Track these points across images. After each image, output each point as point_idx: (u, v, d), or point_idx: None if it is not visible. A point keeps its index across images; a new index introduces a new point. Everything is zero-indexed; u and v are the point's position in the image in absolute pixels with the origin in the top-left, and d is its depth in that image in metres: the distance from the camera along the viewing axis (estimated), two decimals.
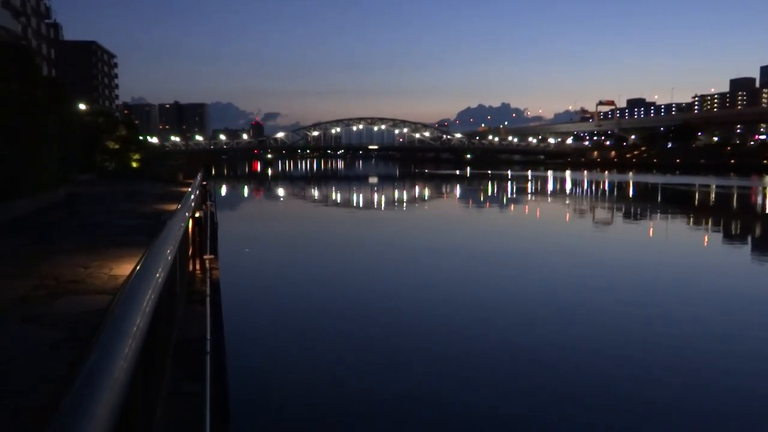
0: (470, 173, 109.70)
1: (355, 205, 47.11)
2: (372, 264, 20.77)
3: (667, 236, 29.55)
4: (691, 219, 37.18)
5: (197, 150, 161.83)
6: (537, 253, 22.95)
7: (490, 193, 60.43)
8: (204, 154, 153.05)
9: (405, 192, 61.86)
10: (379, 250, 23.83)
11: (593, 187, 70.35)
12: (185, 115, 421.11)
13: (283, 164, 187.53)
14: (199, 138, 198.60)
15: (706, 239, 28.58)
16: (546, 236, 28.03)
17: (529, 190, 63.73)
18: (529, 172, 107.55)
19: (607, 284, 17.53)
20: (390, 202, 48.85)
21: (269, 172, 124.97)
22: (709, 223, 35.37)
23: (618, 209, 43.73)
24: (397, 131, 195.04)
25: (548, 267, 20.03)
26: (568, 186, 72.80)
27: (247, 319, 13.52)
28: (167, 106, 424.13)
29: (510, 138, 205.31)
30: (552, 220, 35.67)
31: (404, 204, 47.81)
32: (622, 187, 70.47)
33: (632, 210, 44.17)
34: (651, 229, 31.93)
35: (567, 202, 49.75)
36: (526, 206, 45.16)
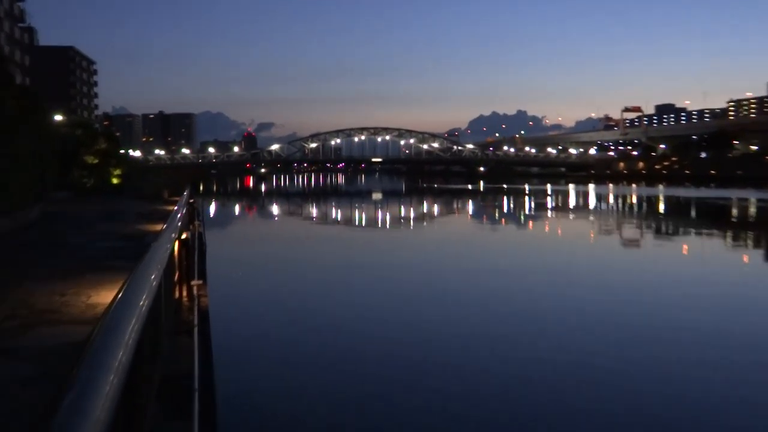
0: (483, 188, 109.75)
1: (356, 224, 47.10)
2: (376, 290, 20.69)
3: (703, 256, 29.39)
4: (730, 237, 36.98)
5: (184, 164, 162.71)
6: (559, 278, 22.82)
7: (505, 210, 60.40)
8: (191, 169, 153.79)
9: (412, 209, 61.89)
10: (383, 274, 23.74)
11: (620, 202, 70.24)
12: (171, 126, 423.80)
13: (278, 179, 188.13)
14: (185, 151, 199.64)
15: (746, 259, 28.41)
16: (569, 258, 27.89)
17: (549, 206, 63.66)
18: (549, 186, 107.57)
19: (639, 314, 17.38)
20: (395, 221, 48.81)
21: (263, 188, 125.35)
22: (750, 242, 35.18)
23: (648, 226, 43.58)
24: (402, 142, 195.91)
25: (572, 294, 19.91)
26: (592, 201, 72.74)
27: (239, 352, 13.45)
28: (151, 116, 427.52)
29: (527, 149, 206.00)
30: (575, 240, 35.53)
31: (411, 223, 47.79)
32: (652, 201, 70.36)
33: (663, 227, 44.00)
34: (685, 249, 31.78)
35: (591, 219, 49.64)
36: (546, 224, 45.04)
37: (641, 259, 28.50)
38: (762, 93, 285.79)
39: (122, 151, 75.92)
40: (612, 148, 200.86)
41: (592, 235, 38.01)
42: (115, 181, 51.49)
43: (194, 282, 10.05)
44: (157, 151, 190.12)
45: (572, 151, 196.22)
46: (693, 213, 55.65)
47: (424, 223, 47.07)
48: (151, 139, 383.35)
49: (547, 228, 42.63)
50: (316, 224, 47.50)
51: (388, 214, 55.83)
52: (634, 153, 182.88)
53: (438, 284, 21.30)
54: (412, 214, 55.25)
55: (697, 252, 30.86)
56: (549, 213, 55.25)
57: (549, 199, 76.01)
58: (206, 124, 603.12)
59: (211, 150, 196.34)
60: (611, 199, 75.78)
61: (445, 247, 31.55)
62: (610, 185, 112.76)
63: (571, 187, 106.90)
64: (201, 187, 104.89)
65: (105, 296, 9.21)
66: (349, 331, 15.23)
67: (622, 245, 33.69)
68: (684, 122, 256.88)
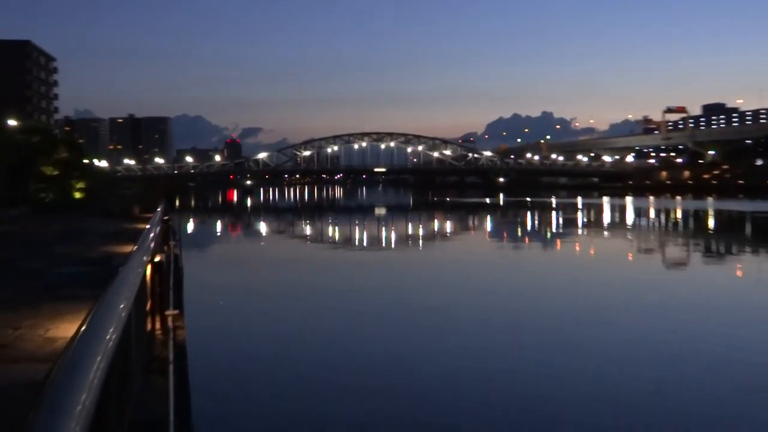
0: (503, 201, 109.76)
1: (356, 244, 47.09)
2: (376, 322, 20.65)
3: (762, 280, 29.25)
4: None
5: (158, 176, 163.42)
6: (593, 306, 22.75)
7: (529, 227, 60.31)
8: (166, 181, 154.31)
9: (420, 227, 61.90)
10: (385, 302, 23.73)
11: (662, 218, 70.13)
12: (142, 132, 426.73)
13: (267, 192, 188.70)
14: (159, 161, 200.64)
15: None
16: (603, 283, 27.83)
17: (580, 223, 63.61)
18: (579, 200, 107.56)
19: (689, 352, 17.28)
20: (401, 241, 48.81)
21: (248, 202, 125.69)
22: None
23: (695, 246, 43.46)
24: (410, 149, 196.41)
25: (607, 325, 19.83)
26: (630, 216, 72.63)
27: (221, 394, 13.39)
28: (120, 121, 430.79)
29: (553, 156, 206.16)
30: (610, 262, 35.46)
31: (419, 243, 47.78)
32: (700, 217, 70.27)
33: (714, 247, 43.87)
34: (739, 272, 31.66)
35: (629, 237, 49.53)
36: (577, 243, 44.96)
37: (688, 283, 28.37)
38: None
39: (86, 161, 76.34)
40: (652, 154, 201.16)
41: (630, 257, 37.91)
42: (77, 195, 51.72)
43: (169, 312, 10.03)
44: (126, 161, 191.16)
45: (606, 158, 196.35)
46: (748, 230, 55.50)
47: (435, 243, 47.03)
48: (119, 146, 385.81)
49: (577, 248, 42.54)
50: (310, 245, 47.51)
51: (392, 232, 55.83)
52: (679, 160, 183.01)
53: (453, 313, 21.22)
54: (420, 233, 55.24)
55: (755, 275, 30.72)
56: (579, 230, 55.14)
57: (579, 214, 75.97)
58: (183, 129, 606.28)
59: (189, 159, 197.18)
60: (652, 214, 75.69)
61: (459, 270, 31.47)
62: (651, 198, 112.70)
63: (605, 200, 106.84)
64: (177, 202, 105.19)
65: (65, 329, 9.20)
66: (348, 372, 15.14)
67: (666, 268, 33.58)
68: (736, 124, 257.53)
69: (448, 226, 63.49)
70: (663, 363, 15.36)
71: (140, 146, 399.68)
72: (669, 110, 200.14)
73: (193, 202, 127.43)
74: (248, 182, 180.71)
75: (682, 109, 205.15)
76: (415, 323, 19.98)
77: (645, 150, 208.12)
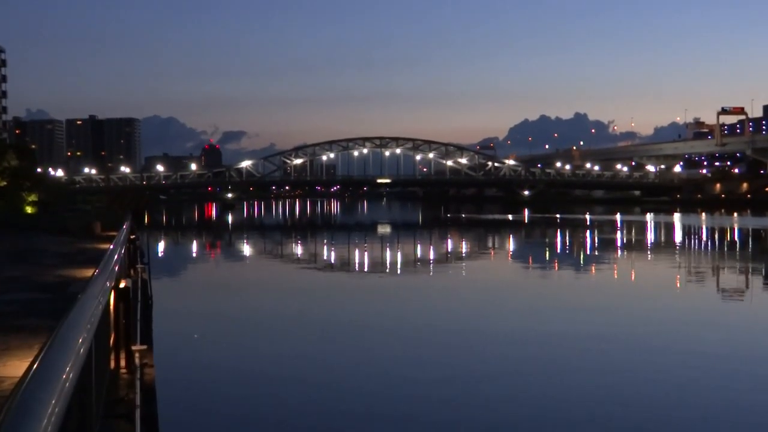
0: (529, 218, 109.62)
1: (354, 268, 47.12)
2: (372, 360, 20.59)
3: None
4: None
5: (123, 187, 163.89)
6: (634, 341, 22.66)
7: (559, 249, 60.18)
8: (133, 193, 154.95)
9: (431, 248, 61.87)
10: (385, 336, 23.69)
11: (716, 238, 69.98)
12: (106, 136, 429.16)
13: (251, 207, 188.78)
14: (125, 169, 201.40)
15: None
16: (646, 314, 27.74)
17: (619, 243, 63.51)
18: (618, 217, 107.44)
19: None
20: (408, 264, 48.80)
21: (229, 219, 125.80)
22: None
23: (756, 272, 43.33)
24: (419, 157, 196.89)
25: (652, 365, 19.75)
26: (678, 236, 72.46)
27: None
28: (79, 122, 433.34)
29: (588, 165, 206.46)
30: (654, 290, 35.38)
31: (429, 267, 47.74)
32: (761, 237, 70.04)
33: None
34: None
35: (677, 260, 49.43)
36: (615, 268, 44.87)
37: (748, 316, 28.28)
38: None
39: (39, 170, 76.65)
40: (705, 163, 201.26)
41: (677, 284, 37.82)
42: (29, 210, 51.90)
43: (136, 347, 10.01)
44: (86, 170, 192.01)
45: (650, 168, 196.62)
46: None
47: (448, 268, 46.97)
48: (78, 153, 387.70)
49: (615, 273, 42.45)
50: (302, 269, 47.48)
51: (398, 254, 55.78)
52: (735, 170, 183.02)
53: (468, 351, 21.17)
54: (431, 255, 55.21)
55: None
56: (618, 254, 55.06)
57: (618, 234, 75.84)
58: (153, 132, 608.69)
59: (160, 168, 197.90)
60: (704, 234, 75.52)
61: (475, 300, 31.41)
62: (703, 214, 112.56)
63: (649, 217, 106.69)
64: (146, 219, 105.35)
65: (14, 368, 9.18)
66: (342, 420, 15.11)
67: (721, 298, 33.47)
68: None
69: (464, 247, 63.40)
70: None
71: (103, 153, 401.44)
72: (724, 111, 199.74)
73: (164, 219, 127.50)
74: (229, 195, 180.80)
75: (739, 110, 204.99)
76: (423, 366, 19.89)
77: (696, 158, 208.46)
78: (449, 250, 60.45)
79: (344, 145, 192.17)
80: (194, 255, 60.44)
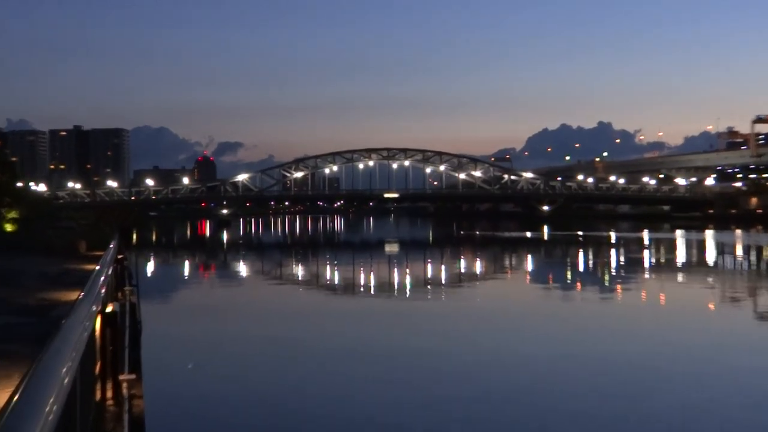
0: (549, 236, 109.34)
1: (359, 291, 47.11)
2: (382, 395, 20.57)
3: None
4: None
5: (110, 203, 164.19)
6: (669, 372, 22.58)
7: (581, 269, 60.00)
8: (121, 210, 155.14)
9: (443, 268, 61.77)
10: (392, 370, 23.66)
11: (754, 257, 69.70)
12: (91, 148, 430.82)
13: (247, 224, 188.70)
14: (112, 184, 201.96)
15: None
16: (681, 342, 27.66)
17: (647, 264, 63.36)
18: (646, 234, 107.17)
19: None
20: (418, 286, 48.81)
21: (224, 237, 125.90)
22: None
23: None
24: (429, 170, 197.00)
25: (697, 402, 19.68)
26: (711, 255, 72.18)
27: None
28: (63, 133, 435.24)
29: (612, 178, 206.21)
30: (687, 315, 35.27)
31: (441, 289, 47.68)
32: None
33: None
34: None
35: (710, 282, 49.24)
36: (643, 291, 44.73)
37: None
38: None
39: (20, 184, 76.82)
40: (739, 176, 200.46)
41: (711, 307, 37.68)
42: (8, 227, 52.03)
43: (124, 376, 10.05)
44: (71, 184, 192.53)
45: (680, 181, 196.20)
46: None
47: (461, 291, 46.88)
48: (62, 166, 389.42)
49: (643, 296, 42.34)
50: (301, 292, 47.57)
51: (407, 275, 55.76)
52: None
53: (486, 384, 21.11)
54: (442, 276, 55.13)
55: None
56: (646, 274, 54.93)
57: (646, 252, 75.64)
58: (143, 144, 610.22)
59: (150, 182, 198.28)
60: (740, 252, 75.21)
61: (491, 327, 31.36)
62: (738, 231, 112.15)
63: (679, 234, 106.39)
64: (134, 237, 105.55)
65: None
66: None
67: (759, 322, 33.36)
68: None
69: (479, 268, 63.28)
70: None
71: (88, 166, 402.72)
72: (759, 120, 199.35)
73: (154, 237, 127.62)
74: (224, 211, 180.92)
75: None
76: (435, 402, 19.87)
77: (729, 170, 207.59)
78: (462, 271, 60.33)
79: (348, 156, 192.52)
80: (186, 276, 60.45)
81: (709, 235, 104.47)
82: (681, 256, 71.36)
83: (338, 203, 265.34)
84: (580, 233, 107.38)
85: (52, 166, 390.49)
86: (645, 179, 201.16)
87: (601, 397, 19.39)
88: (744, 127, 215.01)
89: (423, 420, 17.44)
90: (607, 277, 53.25)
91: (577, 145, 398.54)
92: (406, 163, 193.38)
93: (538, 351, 25.34)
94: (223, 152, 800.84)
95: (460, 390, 20.09)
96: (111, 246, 23.89)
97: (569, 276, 54.92)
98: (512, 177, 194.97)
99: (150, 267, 62.90)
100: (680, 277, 52.62)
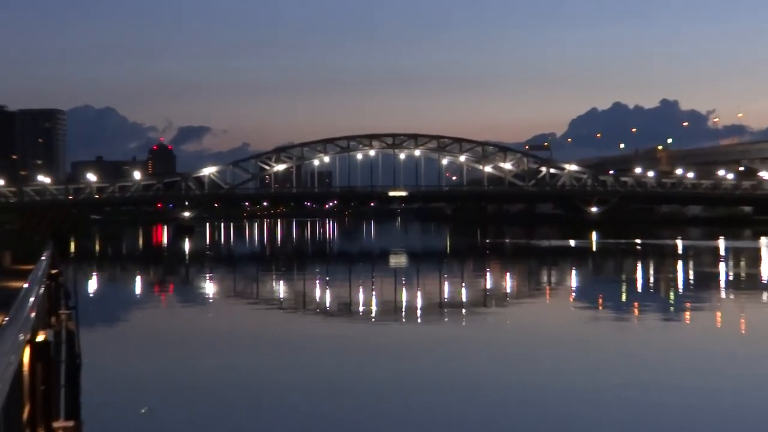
0: (597, 245, 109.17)
1: (356, 314, 47.17)
2: None
3: None
4: None
5: (42, 203, 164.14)
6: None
7: (640, 288, 59.93)
8: (55, 212, 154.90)
9: (463, 285, 61.76)
10: (393, 415, 23.71)
11: None
12: (19, 134, 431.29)
13: (215, 231, 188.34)
14: (45, 179, 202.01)
15: None
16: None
17: (723, 279, 63.30)
18: (722, 242, 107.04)
19: None
20: (430, 309, 48.73)
21: (186, 247, 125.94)
22: None
23: None
24: (446, 161, 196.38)
25: None
26: None
27: None
28: None
29: (679, 171, 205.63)
30: None
31: (461, 312, 47.69)
32: None
33: None
34: None
35: None
36: (718, 313, 44.71)
37: None
38: None
39: None
40: None
41: None
42: None
43: (59, 424, 10.09)
44: None
45: (765, 175, 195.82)
46: None
47: (487, 315, 46.80)
48: None
49: (718, 321, 42.32)
50: (282, 317, 47.50)
51: (417, 295, 55.73)
52: None
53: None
54: (463, 297, 55.10)
55: None
56: (722, 292, 54.89)
57: (722, 266, 75.56)
58: (84, 129, 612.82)
59: (92, 178, 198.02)
60: None
61: (526, 361, 31.38)
62: None
63: (765, 242, 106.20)
64: (73, 247, 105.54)
65: None
66: None
67: None
68: None
69: (509, 283, 63.22)
70: None
71: (14, 156, 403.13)
72: None
73: (97, 247, 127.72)
74: (186, 214, 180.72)
75: None
76: None
77: None
78: (488, 290, 60.26)
79: (343, 145, 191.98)
80: (138, 297, 60.50)
81: None
82: (766, 271, 71.27)
83: (330, 204, 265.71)
84: (638, 242, 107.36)
85: None
86: (721, 173, 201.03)
87: None
88: None
89: None
90: (672, 299, 53.22)
91: (633, 130, 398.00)
92: (417, 152, 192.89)
93: (584, 389, 25.37)
94: (184, 139, 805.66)
95: None
96: (43, 258, 23.96)
97: (624, 297, 54.88)
98: (551, 170, 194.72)
99: (92, 285, 62.97)
100: (765, 297, 52.59)
